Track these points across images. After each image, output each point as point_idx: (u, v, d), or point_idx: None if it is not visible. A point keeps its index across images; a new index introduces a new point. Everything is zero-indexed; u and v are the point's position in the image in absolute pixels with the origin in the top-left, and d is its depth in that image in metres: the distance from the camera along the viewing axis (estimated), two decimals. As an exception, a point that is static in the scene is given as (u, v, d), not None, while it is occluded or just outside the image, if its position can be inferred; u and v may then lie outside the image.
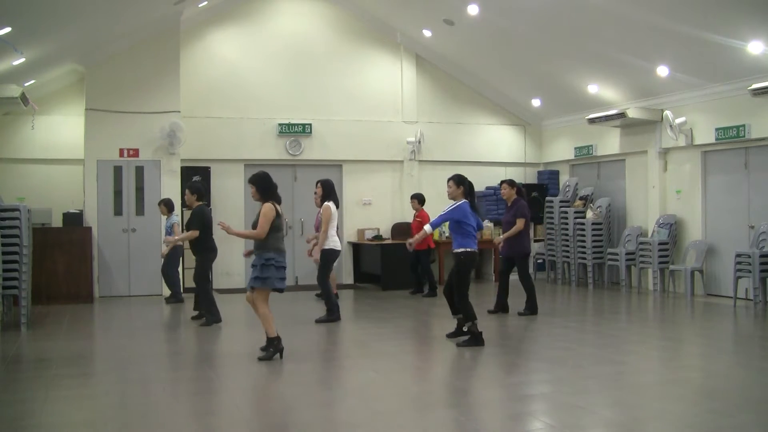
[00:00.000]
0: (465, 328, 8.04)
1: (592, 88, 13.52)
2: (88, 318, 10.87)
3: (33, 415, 5.53)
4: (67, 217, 12.42)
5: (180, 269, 12.20)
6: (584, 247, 13.84)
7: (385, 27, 15.07)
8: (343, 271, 14.81)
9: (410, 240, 8.25)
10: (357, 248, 14.83)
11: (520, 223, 10.06)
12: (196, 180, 12.66)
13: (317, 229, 10.50)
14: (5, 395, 6.19)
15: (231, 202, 14.02)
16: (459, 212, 7.93)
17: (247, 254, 7.63)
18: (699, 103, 12.10)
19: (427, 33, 14.48)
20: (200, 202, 9.82)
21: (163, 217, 12.08)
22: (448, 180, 8.19)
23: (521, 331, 9.11)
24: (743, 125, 11.34)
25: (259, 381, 6.80)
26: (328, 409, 5.77)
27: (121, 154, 12.99)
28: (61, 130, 13.69)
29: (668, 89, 12.41)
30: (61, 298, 11.79)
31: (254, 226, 7.37)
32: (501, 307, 10.22)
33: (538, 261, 15.41)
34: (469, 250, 7.94)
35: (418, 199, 12.81)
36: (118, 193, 13.01)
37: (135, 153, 13.06)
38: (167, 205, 11.85)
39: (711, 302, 11.52)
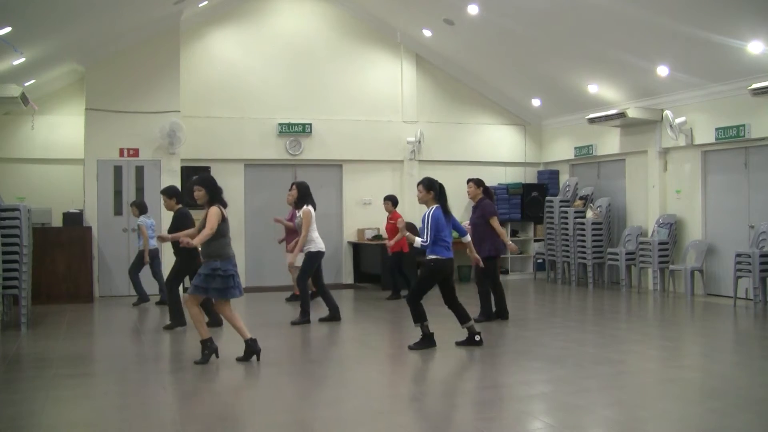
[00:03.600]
0: (471, 331, 7.90)
1: (592, 88, 13.52)
2: (88, 318, 10.87)
3: (33, 415, 5.53)
4: (67, 216, 12.41)
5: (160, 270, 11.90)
6: (584, 246, 13.84)
7: (385, 27, 15.06)
8: (344, 271, 14.82)
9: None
10: (357, 248, 14.82)
11: (496, 222, 9.53)
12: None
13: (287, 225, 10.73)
14: (5, 395, 6.19)
15: (231, 203, 13.79)
16: (434, 221, 7.62)
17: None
18: (699, 103, 12.10)
19: (427, 33, 14.47)
20: (179, 205, 9.41)
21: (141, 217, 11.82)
22: (418, 184, 7.93)
23: (520, 331, 9.11)
24: (743, 125, 11.35)
25: (258, 381, 6.80)
26: (328, 409, 5.77)
27: (121, 154, 13.01)
28: (61, 130, 13.70)
29: (668, 89, 12.41)
30: (61, 298, 11.78)
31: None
32: (499, 313, 9.73)
33: (538, 261, 15.42)
34: (440, 258, 7.71)
35: (392, 201, 12.51)
36: (118, 193, 13.02)
37: (135, 153, 13.07)
38: (139, 207, 11.64)
39: (711, 302, 11.52)
